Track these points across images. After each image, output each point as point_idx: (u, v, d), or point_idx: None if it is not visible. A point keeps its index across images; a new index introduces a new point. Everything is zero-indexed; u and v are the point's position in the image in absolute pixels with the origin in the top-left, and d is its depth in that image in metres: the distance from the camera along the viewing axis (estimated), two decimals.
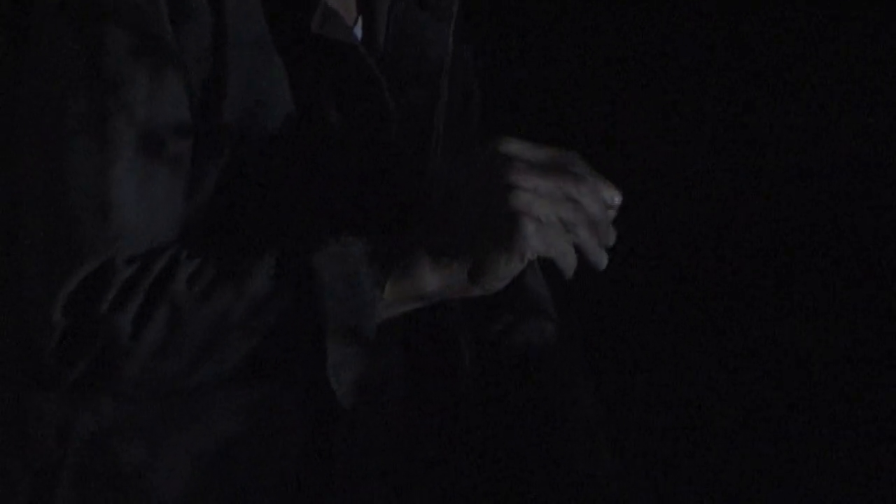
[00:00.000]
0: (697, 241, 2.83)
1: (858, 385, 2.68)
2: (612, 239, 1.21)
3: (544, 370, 1.52)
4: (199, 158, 1.26)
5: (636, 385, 2.69)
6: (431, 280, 1.22)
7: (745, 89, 2.88)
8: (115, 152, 1.20)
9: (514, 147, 1.19)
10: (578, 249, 1.19)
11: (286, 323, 1.20)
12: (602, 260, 1.20)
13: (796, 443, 2.59)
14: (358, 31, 1.39)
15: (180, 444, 1.29)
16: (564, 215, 1.18)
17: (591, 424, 1.50)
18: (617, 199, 1.20)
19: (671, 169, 2.85)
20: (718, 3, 3.04)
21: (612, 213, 1.21)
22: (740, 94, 2.90)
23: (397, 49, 1.39)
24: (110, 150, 1.20)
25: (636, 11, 2.86)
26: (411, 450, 1.45)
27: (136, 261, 1.21)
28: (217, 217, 1.27)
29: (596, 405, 1.52)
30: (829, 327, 2.76)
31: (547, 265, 1.21)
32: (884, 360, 2.72)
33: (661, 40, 2.84)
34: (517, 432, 1.50)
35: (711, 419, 2.63)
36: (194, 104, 1.25)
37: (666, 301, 2.77)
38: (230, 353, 1.21)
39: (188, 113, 1.24)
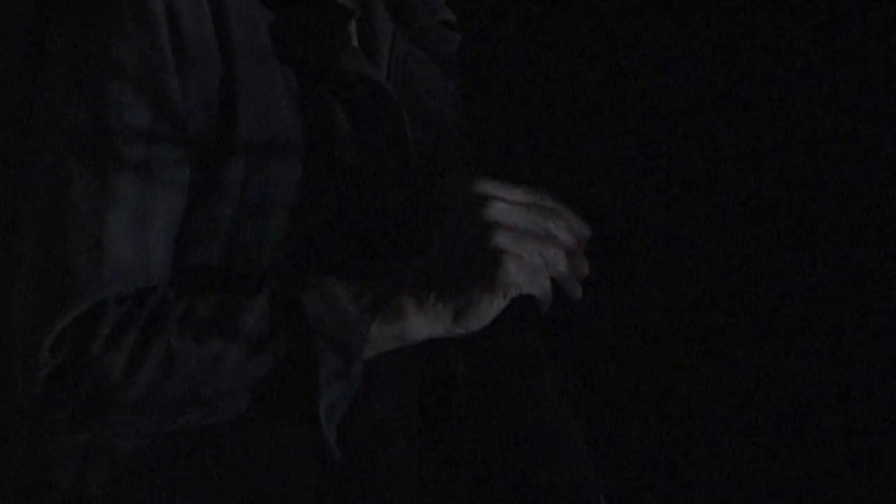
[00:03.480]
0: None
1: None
2: (586, 270, 1.24)
3: (536, 395, 1.55)
4: (210, 183, 1.28)
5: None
6: (416, 322, 1.23)
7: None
8: (113, 196, 1.23)
9: (491, 187, 1.21)
10: (554, 283, 1.22)
11: (279, 364, 1.22)
12: (577, 292, 1.24)
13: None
14: None
15: (197, 485, 1.31)
16: (545, 251, 1.21)
17: (580, 448, 1.53)
18: (586, 232, 1.24)
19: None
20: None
21: (582, 245, 1.24)
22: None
23: (400, 90, 1.41)
24: (108, 194, 1.23)
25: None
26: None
27: (129, 300, 1.24)
28: (220, 244, 1.30)
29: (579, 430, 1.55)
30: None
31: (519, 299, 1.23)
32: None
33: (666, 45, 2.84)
34: (508, 453, 1.52)
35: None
36: (209, 131, 1.27)
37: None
38: (223, 394, 1.22)
39: (186, 158, 1.27)
